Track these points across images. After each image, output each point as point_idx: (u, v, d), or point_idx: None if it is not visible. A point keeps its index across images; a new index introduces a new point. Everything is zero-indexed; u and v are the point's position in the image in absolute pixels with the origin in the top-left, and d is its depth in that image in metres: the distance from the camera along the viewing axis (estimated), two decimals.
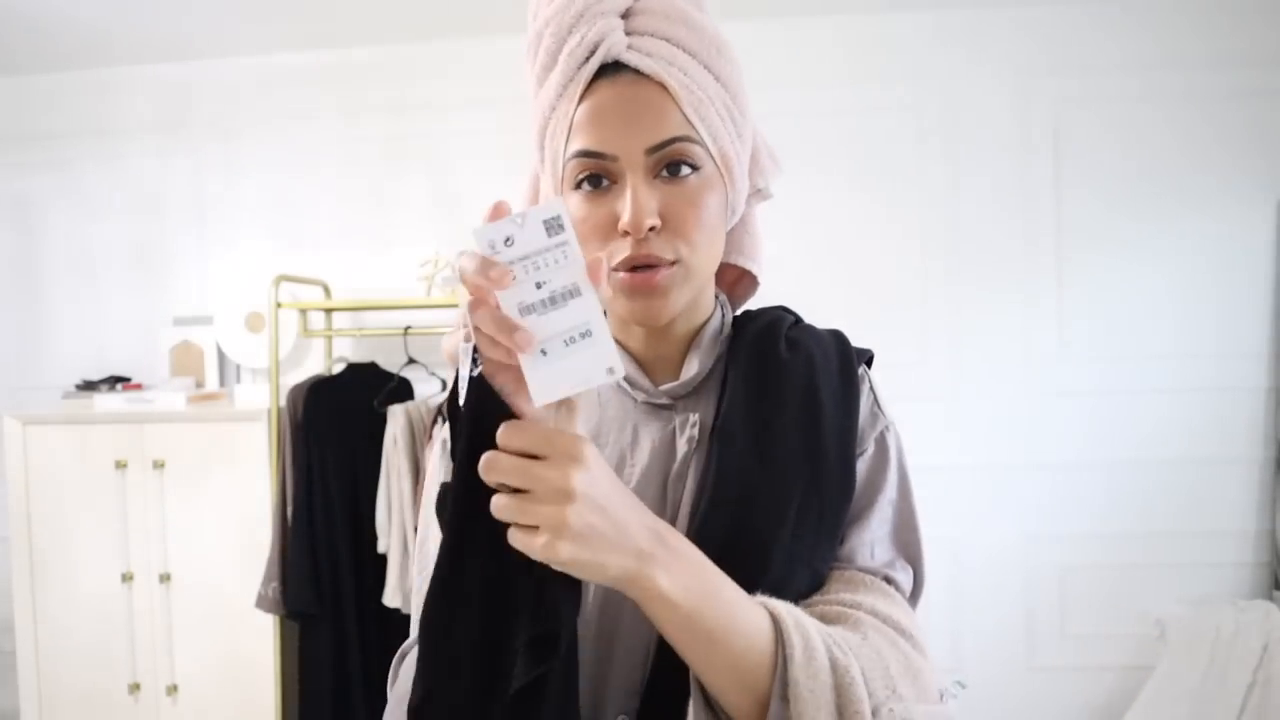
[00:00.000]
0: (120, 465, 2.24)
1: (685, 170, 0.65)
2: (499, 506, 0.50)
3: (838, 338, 0.76)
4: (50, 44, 2.47)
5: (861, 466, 0.71)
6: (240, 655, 2.23)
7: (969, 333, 2.39)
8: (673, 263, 0.65)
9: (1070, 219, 2.36)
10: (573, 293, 0.49)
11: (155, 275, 2.66)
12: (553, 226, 0.48)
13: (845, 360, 0.73)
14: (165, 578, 2.24)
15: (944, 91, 2.40)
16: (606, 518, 0.51)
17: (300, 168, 2.60)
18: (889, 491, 0.71)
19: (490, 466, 0.49)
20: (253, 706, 2.23)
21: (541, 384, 0.48)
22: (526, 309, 0.48)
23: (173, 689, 2.25)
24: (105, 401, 2.30)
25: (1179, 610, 2.24)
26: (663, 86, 0.64)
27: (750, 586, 0.60)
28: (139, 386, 2.48)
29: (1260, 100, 2.30)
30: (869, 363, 0.77)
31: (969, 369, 2.39)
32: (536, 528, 0.49)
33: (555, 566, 0.50)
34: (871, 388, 0.75)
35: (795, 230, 2.39)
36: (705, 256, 0.67)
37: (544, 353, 0.48)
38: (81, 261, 2.69)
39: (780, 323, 0.76)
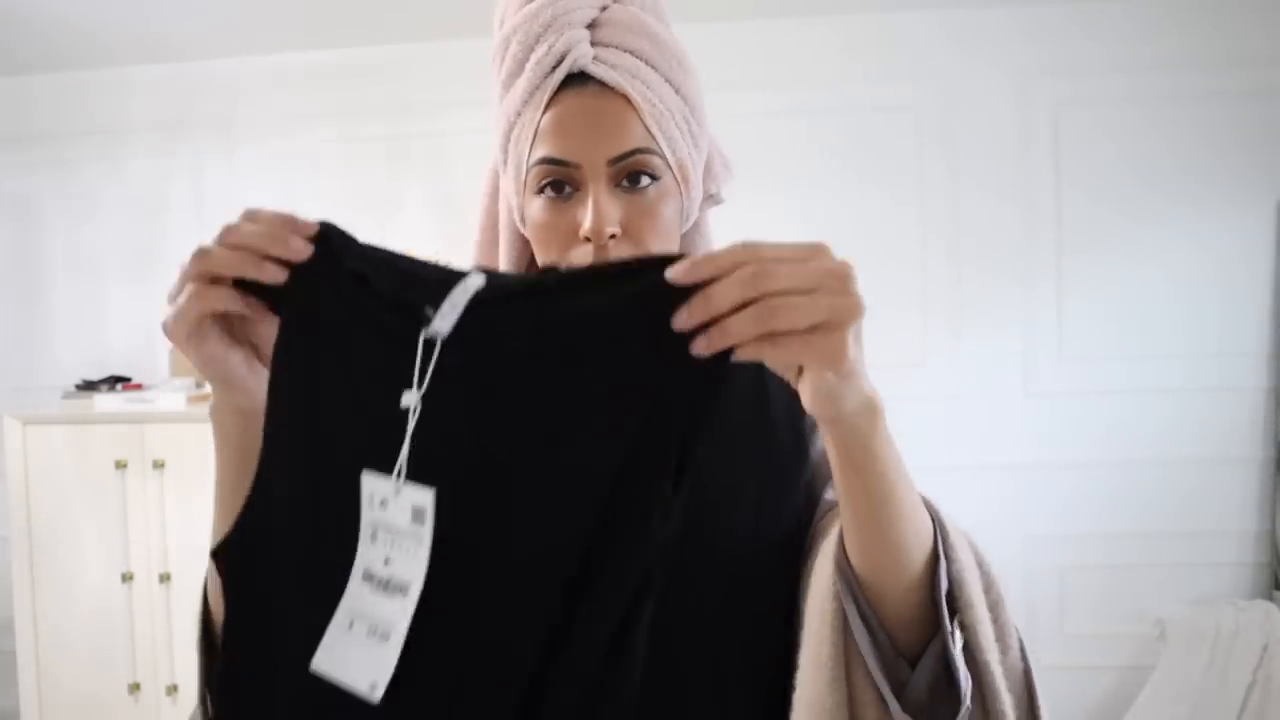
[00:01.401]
0: (120, 465, 2.24)
1: (645, 180, 0.67)
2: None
3: None
4: (50, 44, 2.47)
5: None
6: None
7: (969, 333, 2.39)
8: None
9: (1070, 219, 2.36)
10: (402, 590, 0.46)
11: (155, 275, 2.66)
12: (417, 515, 0.47)
13: None
14: (165, 578, 2.24)
15: (944, 92, 2.40)
16: None
17: (300, 168, 2.60)
18: None
19: (767, 275, 0.44)
20: None
21: (326, 653, 0.46)
22: (368, 576, 0.47)
23: (173, 689, 2.25)
24: (105, 401, 2.30)
25: (1179, 610, 2.24)
26: (626, 99, 0.66)
27: (714, 574, 0.64)
28: (139, 386, 2.48)
29: (1260, 100, 2.30)
30: None
31: (969, 369, 2.39)
32: (806, 334, 0.44)
33: (833, 369, 0.45)
34: None
35: (794, 231, 2.38)
36: None
37: (350, 625, 0.46)
38: (81, 261, 2.69)
39: None
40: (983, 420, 2.39)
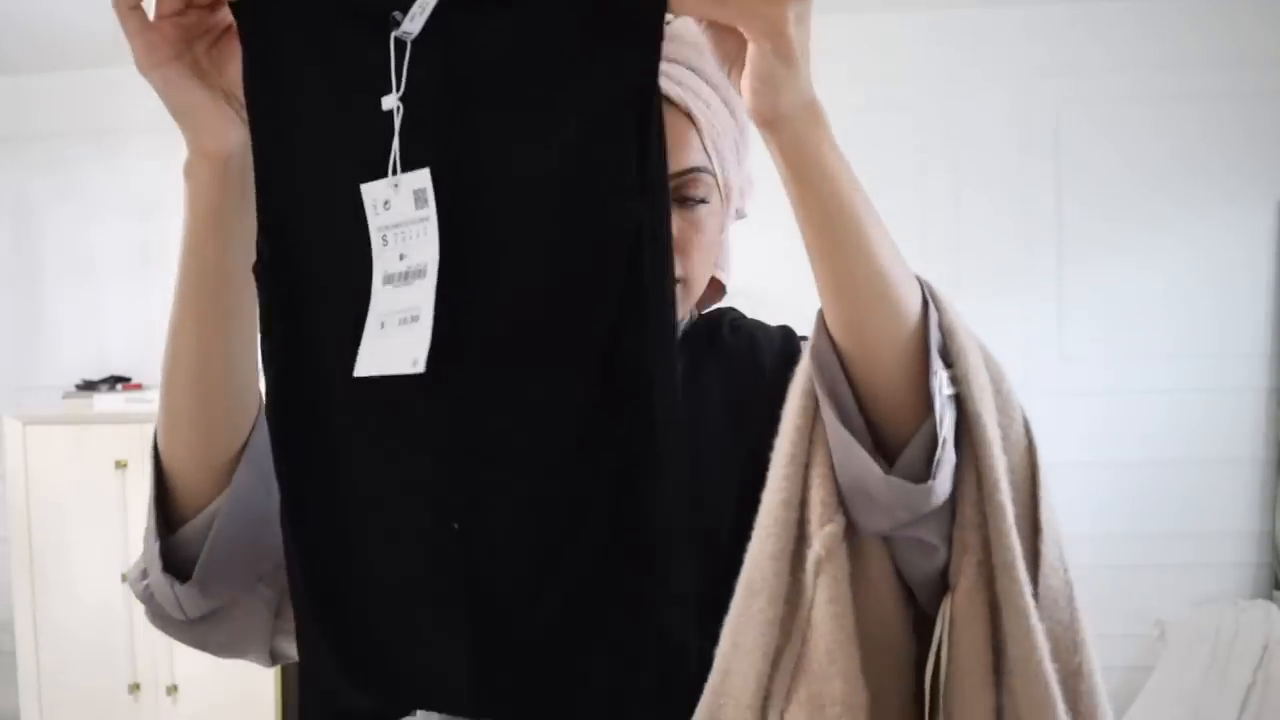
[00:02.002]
0: (120, 465, 2.24)
1: (697, 200, 0.68)
2: None
3: (784, 327, 0.80)
4: (50, 44, 2.47)
5: None
6: None
7: None
8: (678, 281, 0.69)
9: (1070, 220, 2.36)
10: (420, 273, 0.49)
11: (155, 275, 2.66)
12: (420, 198, 0.49)
13: (788, 338, 0.78)
14: None
15: (944, 93, 2.40)
16: None
17: None
18: None
19: None
20: (253, 706, 2.23)
21: (367, 357, 0.49)
22: (389, 278, 0.50)
23: (173, 689, 2.25)
24: (105, 401, 2.30)
25: (1179, 610, 2.24)
26: (688, 116, 0.67)
27: (711, 548, 0.62)
28: (139, 386, 2.48)
29: (1260, 101, 2.30)
30: None
31: None
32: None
33: (773, 41, 0.45)
34: None
35: (795, 231, 2.39)
36: (703, 276, 0.73)
37: (382, 325, 0.49)
38: (81, 261, 2.69)
39: (725, 315, 0.81)
40: None
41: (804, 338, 0.80)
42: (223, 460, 0.61)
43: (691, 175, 0.67)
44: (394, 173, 0.49)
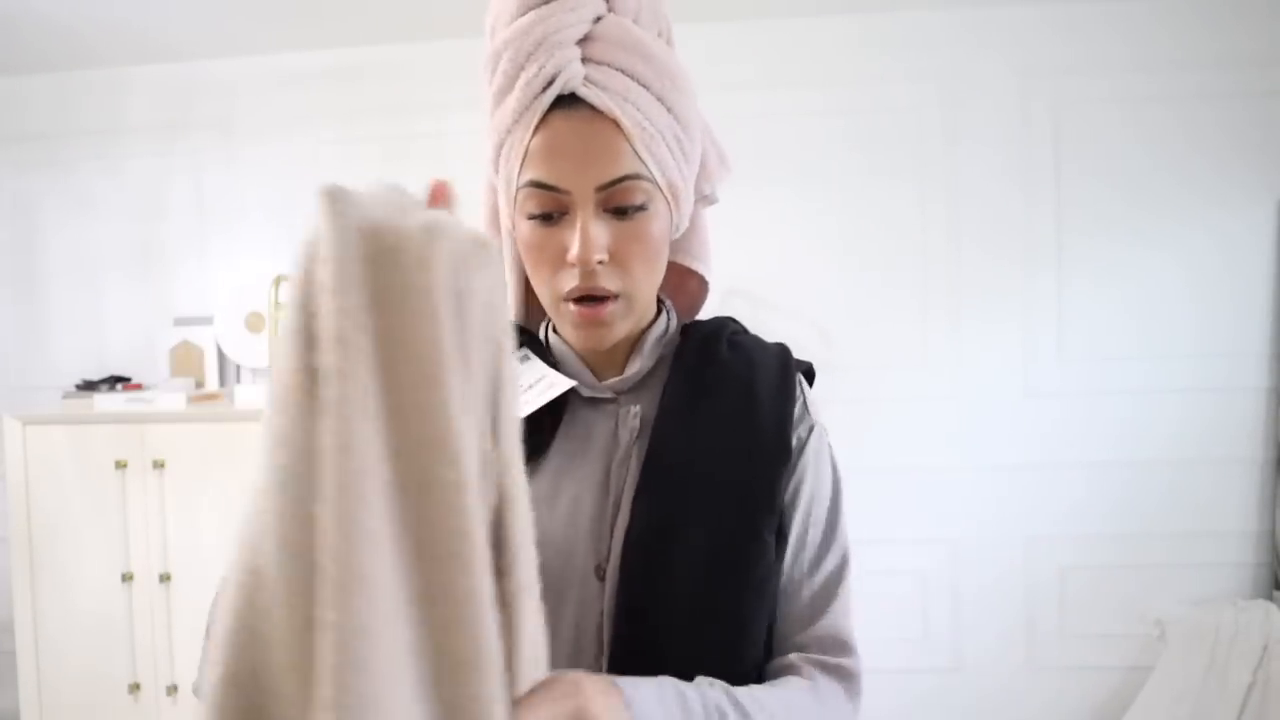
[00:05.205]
0: (120, 465, 2.24)
1: (633, 207, 0.67)
2: None
3: (780, 347, 0.80)
4: (50, 44, 2.47)
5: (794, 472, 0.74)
6: None
7: (969, 334, 2.39)
8: (617, 296, 0.69)
9: (1070, 220, 2.36)
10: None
11: (155, 275, 2.66)
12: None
13: (784, 364, 0.77)
14: (165, 578, 2.24)
15: (944, 92, 2.39)
16: None
17: (300, 167, 2.59)
18: (812, 509, 0.74)
19: None
20: None
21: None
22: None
23: (173, 689, 2.25)
24: (105, 401, 2.30)
25: (1179, 610, 2.24)
26: (616, 123, 0.66)
27: (694, 564, 0.66)
28: (139, 386, 2.48)
29: (1259, 100, 2.30)
30: (808, 374, 0.82)
31: (969, 369, 2.39)
32: None
33: None
34: (803, 392, 0.79)
35: (795, 232, 2.39)
36: (647, 287, 0.72)
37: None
38: (81, 261, 2.69)
39: (724, 328, 0.80)
40: (983, 420, 2.38)
41: (799, 362, 0.80)
42: None
43: (622, 184, 0.66)
44: None
